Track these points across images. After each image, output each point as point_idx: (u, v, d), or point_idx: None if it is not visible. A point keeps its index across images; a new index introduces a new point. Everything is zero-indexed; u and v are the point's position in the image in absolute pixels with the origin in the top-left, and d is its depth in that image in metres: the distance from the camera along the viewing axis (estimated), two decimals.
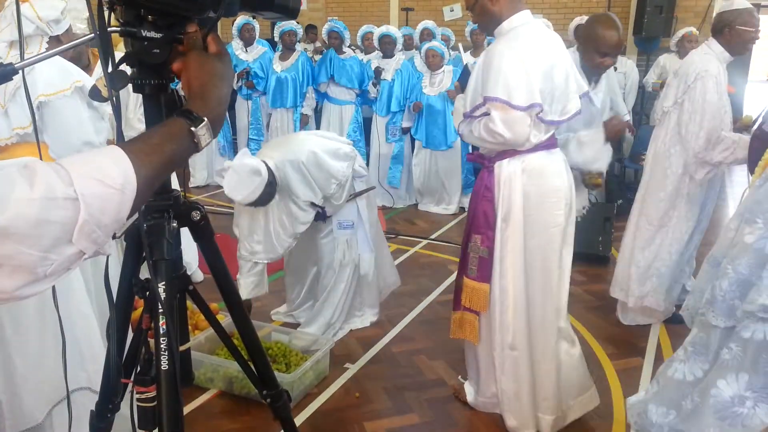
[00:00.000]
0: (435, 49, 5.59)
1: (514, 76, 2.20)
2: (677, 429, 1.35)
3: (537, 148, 2.34)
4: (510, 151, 2.33)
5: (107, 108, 2.20)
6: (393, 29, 6.01)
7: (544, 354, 2.44)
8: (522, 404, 2.47)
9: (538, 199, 2.34)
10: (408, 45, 6.59)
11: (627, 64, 6.51)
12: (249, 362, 1.57)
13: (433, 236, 5.15)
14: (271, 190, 2.84)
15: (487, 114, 2.29)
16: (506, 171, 2.34)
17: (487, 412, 2.67)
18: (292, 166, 2.90)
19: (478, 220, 2.41)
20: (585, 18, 5.58)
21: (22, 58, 1.23)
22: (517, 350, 2.42)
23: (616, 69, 6.04)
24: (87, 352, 2.07)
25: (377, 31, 6.12)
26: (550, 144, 2.39)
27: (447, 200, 5.92)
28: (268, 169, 2.79)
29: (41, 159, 1.31)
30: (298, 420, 2.55)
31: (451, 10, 7.28)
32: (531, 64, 2.24)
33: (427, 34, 6.34)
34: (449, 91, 5.68)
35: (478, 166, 2.59)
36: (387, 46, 5.99)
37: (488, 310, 2.44)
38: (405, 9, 7.85)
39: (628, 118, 5.80)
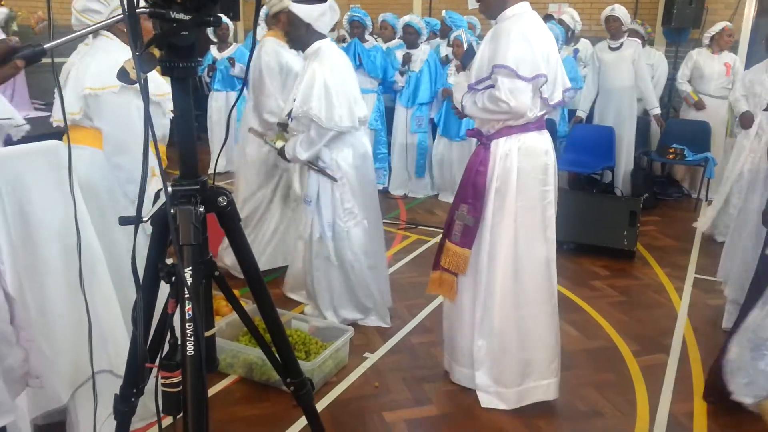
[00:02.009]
0: (458, 38, 5.50)
1: (521, 50, 2.38)
2: None
3: (530, 128, 2.51)
4: (506, 129, 2.50)
5: (169, 104, 2.21)
6: (416, 19, 5.91)
7: (535, 320, 2.59)
8: (502, 362, 2.61)
9: (530, 175, 2.51)
10: (431, 37, 6.50)
11: (655, 56, 6.35)
12: (272, 349, 1.56)
13: None
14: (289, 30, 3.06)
15: (491, 86, 2.45)
16: (503, 149, 2.50)
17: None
18: (310, 73, 2.95)
19: (468, 191, 2.55)
20: (615, 8, 5.49)
21: (50, 39, 1.22)
22: (503, 312, 2.57)
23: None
24: (109, 336, 2.08)
25: (400, 21, 6.04)
26: (540, 125, 2.56)
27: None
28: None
29: (69, 144, 1.30)
30: (318, 408, 2.52)
31: None
32: (535, 43, 2.42)
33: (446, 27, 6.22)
34: (443, 90, 5.62)
35: None
36: (410, 36, 5.89)
37: (475, 275, 2.61)
38: None
39: (657, 111, 5.65)
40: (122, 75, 1.30)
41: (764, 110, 4.14)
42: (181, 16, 1.21)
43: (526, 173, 2.50)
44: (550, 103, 2.52)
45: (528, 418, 2.57)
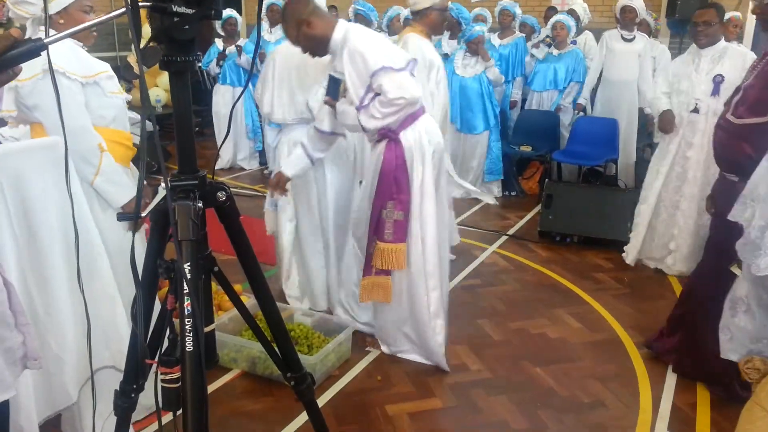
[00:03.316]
0: (484, 35, 5.42)
1: (381, 49, 2.57)
2: None
3: (420, 111, 2.73)
4: (408, 119, 2.66)
5: (109, 84, 2.18)
6: None
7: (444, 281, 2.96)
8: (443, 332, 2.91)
9: (438, 154, 2.77)
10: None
11: (658, 48, 6.24)
12: (273, 344, 1.56)
13: (457, 221, 5.10)
14: None
15: (377, 94, 2.56)
16: (412, 137, 2.67)
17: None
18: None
19: (391, 188, 2.68)
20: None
21: (46, 34, 1.21)
22: (438, 288, 2.83)
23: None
24: (112, 332, 2.09)
25: (404, 14, 5.99)
26: (423, 107, 2.78)
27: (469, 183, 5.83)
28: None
29: (65, 142, 1.30)
30: (320, 402, 2.55)
31: None
32: (382, 39, 2.71)
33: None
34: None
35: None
36: None
37: (407, 266, 2.75)
38: None
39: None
40: (126, 70, 1.28)
41: (692, 112, 3.69)
42: (183, 9, 1.20)
43: (436, 153, 2.75)
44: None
45: (531, 410, 2.58)
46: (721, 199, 2.58)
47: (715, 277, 2.54)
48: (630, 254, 4.13)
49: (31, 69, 2.02)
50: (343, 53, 2.60)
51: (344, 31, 2.61)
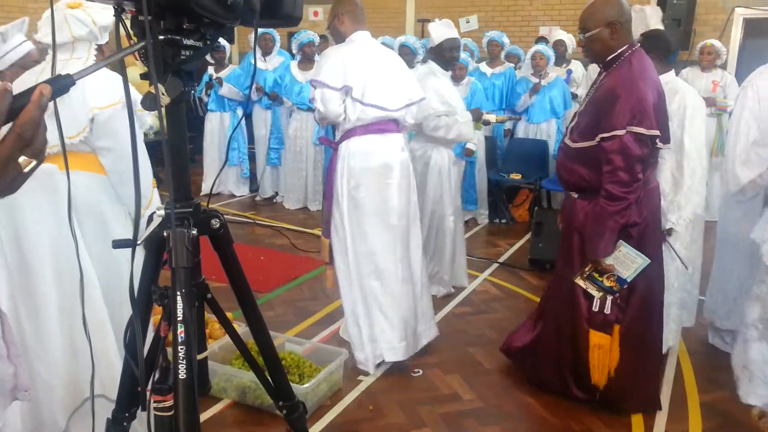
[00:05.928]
0: (462, 62, 5.58)
1: (330, 66, 2.91)
2: None
3: (368, 130, 2.97)
4: (346, 133, 2.99)
5: (147, 118, 2.24)
6: (412, 39, 5.97)
7: (395, 291, 3.06)
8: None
9: (370, 170, 2.97)
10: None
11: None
12: (265, 373, 1.55)
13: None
14: None
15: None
16: (344, 151, 2.99)
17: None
18: None
19: (329, 190, 3.07)
20: None
21: (53, 71, 1.22)
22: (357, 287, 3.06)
23: None
24: (102, 360, 2.06)
25: (396, 42, 6.10)
26: (382, 129, 3.00)
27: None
28: None
29: (67, 170, 1.31)
30: None
31: (467, 22, 7.29)
32: (349, 59, 2.92)
33: None
34: None
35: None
36: (406, 57, 5.92)
37: (337, 263, 3.07)
38: (421, 20, 7.87)
39: None
40: (149, 101, 1.27)
41: None
42: (192, 42, 1.23)
43: (365, 169, 2.96)
44: (364, 102, 2.91)
45: None
46: (566, 215, 2.76)
47: (561, 286, 2.75)
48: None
49: (108, 97, 2.11)
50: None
51: (352, 40, 3.01)
